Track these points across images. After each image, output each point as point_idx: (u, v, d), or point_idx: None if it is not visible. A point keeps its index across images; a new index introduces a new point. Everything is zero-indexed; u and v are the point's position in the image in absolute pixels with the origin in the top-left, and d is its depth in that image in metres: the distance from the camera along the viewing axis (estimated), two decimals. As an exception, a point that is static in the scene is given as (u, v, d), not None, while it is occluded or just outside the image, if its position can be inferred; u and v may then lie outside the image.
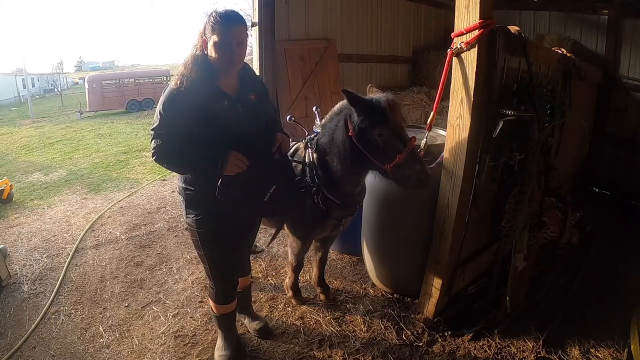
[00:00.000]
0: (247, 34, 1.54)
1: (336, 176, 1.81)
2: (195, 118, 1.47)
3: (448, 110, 1.93)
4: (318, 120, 2.17)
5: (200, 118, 1.48)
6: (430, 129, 2.06)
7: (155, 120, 1.50)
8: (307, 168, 1.88)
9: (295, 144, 2.08)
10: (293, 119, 2.19)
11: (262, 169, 1.61)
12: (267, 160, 1.64)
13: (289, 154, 1.99)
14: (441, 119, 3.12)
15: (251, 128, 1.59)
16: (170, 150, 1.50)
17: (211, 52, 1.48)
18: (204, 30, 1.50)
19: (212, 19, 1.46)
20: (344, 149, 1.73)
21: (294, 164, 1.94)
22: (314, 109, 2.33)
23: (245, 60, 1.60)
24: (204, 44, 1.50)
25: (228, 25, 1.46)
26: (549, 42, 4.21)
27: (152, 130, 1.51)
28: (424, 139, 2.00)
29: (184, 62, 1.51)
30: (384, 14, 4.96)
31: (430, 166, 2.02)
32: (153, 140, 1.51)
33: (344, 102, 1.74)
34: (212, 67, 1.51)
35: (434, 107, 2.02)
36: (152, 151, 1.52)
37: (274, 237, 2.21)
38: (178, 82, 1.47)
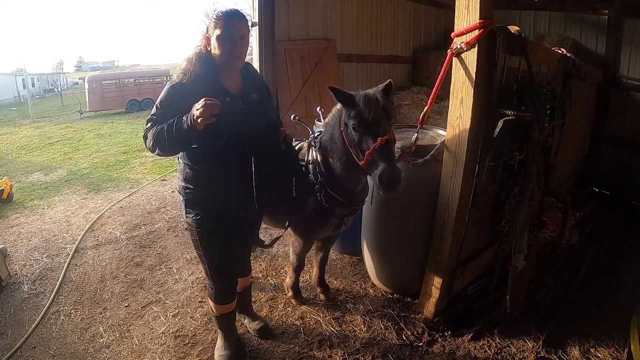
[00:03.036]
0: (249, 30, 1.57)
1: (337, 173, 1.82)
2: None
3: (448, 110, 1.93)
4: (322, 120, 2.18)
5: None
6: (422, 124, 2.06)
7: (153, 109, 1.53)
8: (311, 166, 1.89)
9: (299, 143, 2.09)
10: (297, 118, 2.20)
11: (269, 164, 1.63)
12: (274, 155, 1.66)
13: None
14: (441, 119, 3.11)
15: (252, 126, 1.59)
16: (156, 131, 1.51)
17: (214, 46, 1.51)
18: (207, 29, 1.53)
19: (215, 15, 1.51)
20: (339, 144, 1.75)
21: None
22: (317, 109, 2.35)
23: (246, 60, 1.62)
24: (207, 42, 1.53)
25: (230, 19, 1.50)
26: (549, 42, 4.21)
27: (147, 120, 1.54)
28: (415, 134, 1.99)
29: (187, 59, 1.53)
30: (384, 14, 4.96)
31: (425, 158, 2.02)
32: (147, 126, 1.53)
33: None
34: (215, 65, 1.53)
35: (428, 102, 2.02)
36: (143, 134, 1.54)
37: (277, 239, 2.19)
38: (180, 77, 1.49)
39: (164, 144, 1.47)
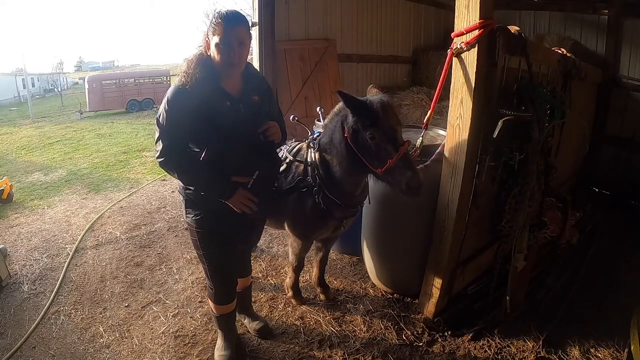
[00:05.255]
0: (249, 35, 1.54)
1: (336, 176, 1.81)
2: (197, 117, 1.48)
3: (448, 110, 1.93)
4: (322, 120, 2.17)
5: (202, 117, 1.49)
6: (427, 128, 2.06)
7: (160, 116, 1.50)
8: (309, 168, 1.88)
9: (298, 144, 2.08)
10: (297, 118, 2.19)
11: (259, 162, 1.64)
12: (261, 151, 1.65)
13: (291, 153, 2.00)
14: (441, 119, 3.11)
15: (252, 129, 1.59)
16: (177, 155, 1.51)
17: (213, 53, 1.49)
18: (207, 31, 1.51)
19: (214, 19, 1.47)
20: (340, 149, 1.72)
21: (296, 163, 1.95)
22: (317, 109, 2.34)
23: (247, 61, 1.61)
24: (207, 46, 1.51)
25: (230, 25, 1.46)
26: (549, 42, 4.20)
27: (157, 125, 1.50)
28: (420, 138, 2.00)
29: (187, 61, 1.52)
30: (384, 14, 4.96)
31: (426, 163, 2.02)
32: (159, 141, 1.50)
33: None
34: (215, 68, 1.51)
35: (432, 105, 2.02)
36: (158, 153, 1.50)
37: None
38: (183, 80, 1.48)
39: (186, 180, 1.60)
